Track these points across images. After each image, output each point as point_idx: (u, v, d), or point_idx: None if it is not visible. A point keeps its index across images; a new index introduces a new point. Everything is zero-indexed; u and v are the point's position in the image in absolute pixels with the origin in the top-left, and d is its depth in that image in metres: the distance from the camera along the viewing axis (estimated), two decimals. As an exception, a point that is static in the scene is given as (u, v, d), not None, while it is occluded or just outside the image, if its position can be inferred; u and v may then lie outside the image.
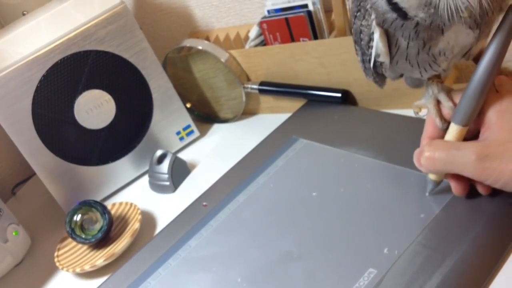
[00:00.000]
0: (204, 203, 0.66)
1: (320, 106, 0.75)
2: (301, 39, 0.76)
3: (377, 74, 0.52)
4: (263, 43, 0.81)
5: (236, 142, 0.81)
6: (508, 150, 0.44)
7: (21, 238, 0.77)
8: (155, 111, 0.81)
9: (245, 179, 0.67)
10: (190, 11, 0.92)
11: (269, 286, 0.52)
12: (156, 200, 0.76)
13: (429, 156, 0.48)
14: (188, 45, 0.82)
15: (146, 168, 0.81)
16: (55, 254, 0.70)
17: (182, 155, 0.81)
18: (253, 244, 0.58)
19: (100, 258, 0.67)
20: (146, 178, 0.81)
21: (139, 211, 0.71)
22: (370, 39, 0.47)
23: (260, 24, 0.79)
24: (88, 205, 0.70)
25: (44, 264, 0.73)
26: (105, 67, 0.76)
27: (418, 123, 0.65)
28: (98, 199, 0.79)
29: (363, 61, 0.51)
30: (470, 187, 0.50)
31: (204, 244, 0.60)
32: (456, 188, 0.50)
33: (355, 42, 0.51)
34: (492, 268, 0.45)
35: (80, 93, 0.76)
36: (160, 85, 0.80)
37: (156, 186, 0.78)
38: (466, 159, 0.45)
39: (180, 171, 0.78)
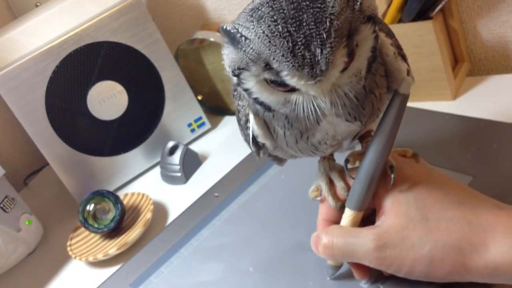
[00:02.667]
0: (216, 194, 0.67)
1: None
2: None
3: (269, 155, 0.48)
4: (275, 36, 0.81)
5: (247, 134, 0.81)
6: (406, 238, 0.41)
7: (34, 227, 0.77)
8: (167, 102, 0.81)
9: (256, 170, 0.67)
10: (202, 3, 0.92)
11: (281, 275, 0.52)
12: (168, 191, 0.77)
13: (327, 245, 0.45)
14: (200, 37, 0.83)
15: (158, 159, 0.81)
16: (68, 243, 0.71)
17: (193, 147, 0.81)
18: (265, 234, 0.58)
19: (113, 247, 0.67)
20: (157, 169, 0.81)
21: (151, 202, 0.71)
22: (247, 120, 0.44)
23: (272, 16, 0.79)
24: (101, 195, 0.70)
25: (57, 253, 0.74)
26: (118, 58, 0.77)
27: (425, 116, 0.65)
28: (110, 189, 0.79)
29: (245, 141, 0.48)
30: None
31: (216, 234, 0.60)
32: (357, 274, 0.47)
33: (237, 121, 0.48)
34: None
35: (93, 84, 0.76)
36: (172, 77, 0.80)
37: (168, 177, 0.78)
38: (364, 248, 0.42)
39: (192, 163, 0.78)
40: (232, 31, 0.38)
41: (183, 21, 0.96)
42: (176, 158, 0.77)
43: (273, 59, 0.36)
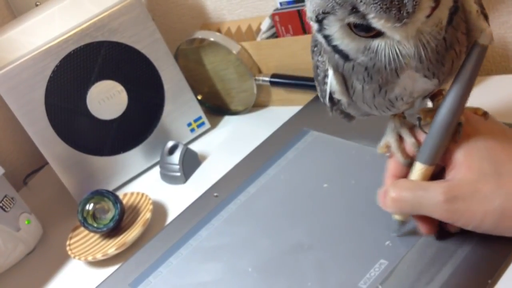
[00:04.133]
0: (215, 194, 0.67)
1: (331, 98, 0.75)
2: (313, 31, 0.76)
3: (341, 112, 0.49)
4: (275, 36, 0.81)
5: (246, 134, 0.82)
6: (478, 191, 0.42)
7: (33, 226, 0.77)
8: (166, 102, 0.81)
9: (256, 170, 0.67)
10: (202, 3, 0.92)
11: (280, 276, 0.52)
12: (167, 191, 0.77)
13: (395, 198, 0.45)
14: (199, 37, 0.83)
15: (157, 159, 0.81)
16: (67, 242, 0.71)
17: (193, 147, 0.81)
18: (264, 235, 0.58)
19: (112, 247, 0.67)
20: (157, 169, 0.81)
21: (150, 201, 0.71)
22: (325, 75, 0.45)
23: (272, 16, 0.79)
24: (100, 195, 0.70)
25: (56, 253, 0.74)
26: (118, 58, 0.77)
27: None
28: (110, 189, 0.79)
29: (321, 97, 0.49)
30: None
31: (215, 234, 0.60)
32: (424, 228, 0.47)
33: (314, 77, 0.49)
34: (504, 258, 0.45)
35: (93, 83, 0.76)
36: (171, 77, 0.80)
37: (167, 176, 0.78)
38: (434, 201, 0.43)
39: (191, 162, 0.78)
40: None
41: (183, 21, 0.96)
42: (176, 157, 0.77)
43: (361, 1, 0.36)
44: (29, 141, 0.77)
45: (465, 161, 0.43)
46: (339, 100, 0.46)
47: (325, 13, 0.39)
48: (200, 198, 0.68)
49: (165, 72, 0.80)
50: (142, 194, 0.74)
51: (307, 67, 0.77)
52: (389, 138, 0.48)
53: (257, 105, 0.84)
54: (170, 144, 0.78)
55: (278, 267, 0.53)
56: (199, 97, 0.88)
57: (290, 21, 0.77)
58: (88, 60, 0.75)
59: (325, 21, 0.39)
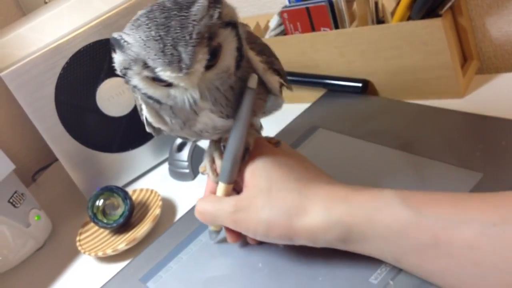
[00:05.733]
0: (225, 190, 0.67)
1: (340, 96, 0.75)
2: (321, 28, 0.76)
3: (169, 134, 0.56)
4: (284, 33, 0.81)
5: (255, 131, 0.82)
6: (253, 205, 0.49)
7: (43, 222, 0.78)
8: (175, 99, 0.81)
9: (265, 167, 0.67)
10: (210, 1, 0.92)
11: (290, 271, 0.53)
12: (176, 187, 0.77)
13: (199, 210, 0.53)
14: (208, 34, 0.83)
15: (166, 155, 0.82)
16: (77, 238, 0.71)
17: (202, 144, 0.82)
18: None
19: (121, 242, 0.68)
20: (165, 165, 0.81)
21: (159, 198, 0.71)
22: (141, 109, 0.53)
23: (281, 13, 0.79)
24: (110, 191, 0.71)
25: (65, 248, 0.75)
26: (127, 55, 0.77)
27: (434, 114, 0.66)
28: (119, 185, 0.79)
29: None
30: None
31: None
32: (228, 237, 0.56)
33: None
34: None
35: (102, 80, 0.76)
36: (180, 74, 0.81)
37: (176, 173, 0.78)
38: (225, 212, 0.51)
39: (200, 159, 0.78)
40: (117, 38, 0.45)
41: (191, 18, 0.96)
42: (185, 154, 0.77)
43: (148, 58, 0.44)
44: (37, 138, 0.78)
45: (249, 179, 0.51)
46: (159, 128, 0.53)
47: (126, 69, 0.46)
48: (210, 195, 0.68)
49: (174, 69, 0.80)
50: (152, 191, 0.74)
51: (315, 64, 0.77)
52: (205, 160, 0.56)
53: (265, 102, 0.84)
54: (178, 141, 0.79)
55: (288, 262, 0.54)
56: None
57: (299, 18, 0.77)
58: (98, 57, 0.76)
59: (128, 75, 0.47)
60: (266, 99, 0.54)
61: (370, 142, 0.64)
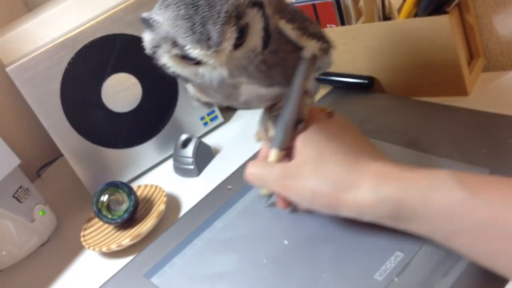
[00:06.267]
0: (229, 186, 0.67)
1: (346, 93, 0.75)
2: (328, 25, 0.76)
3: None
4: (289, 30, 0.81)
5: (260, 128, 0.82)
6: (301, 172, 0.51)
7: (48, 217, 0.78)
8: (180, 95, 0.81)
9: (270, 163, 0.67)
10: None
11: (295, 267, 0.52)
12: (181, 184, 0.77)
13: (248, 172, 0.55)
14: (214, 30, 0.83)
15: (171, 152, 0.82)
16: (82, 233, 0.71)
17: (206, 140, 0.82)
18: (279, 226, 0.58)
19: (126, 238, 0.68)
20: (170, 161, 0.81)
21: (164, 193, 0.71)
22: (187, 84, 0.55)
23: (287, 10, 0.78)
24: (115, 186, 0.71)
25: (70, 243, 0.75)
26: (133, 51, 0.77)
27: (441, 111, 0.65)
28: (124, 181, 0.79)
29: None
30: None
31: (230, 226, 0.61)
32: (278, 203, 0.58)
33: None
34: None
35: (108, 76, 0.76)
36: (186, 70, 0.81)
37: (181, 169, 0.78)
38: (273, 176, 0.52)
39: (204, 156, 0.78)
40: (147, 18, 0.46)
41: (197, 15, 0.96)
42: (189, 151, 0.77)
43: (178, 36, 0.45)
44: (42, 133, 0.78)
45: (299, 148, 0.52)
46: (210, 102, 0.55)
47: (155, 47, 0.48)
48: (214, 191, 0.68)
49: (179, 66, 0.80)
50: (156, 186, 0.74)
51: (321, 61, 0.77)
52: (259, 128, 0.58)
53: (271, 99, 0.84)
54: (183, 137, 0.79)
55: (293, 258, 0.53)
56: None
57: (305, 15, 0.77)
58: (104, 52, 0.76)
59: (157, 53, 0.48)
60: (314, 63, 0.54)
61: (376, 140, 0.64)
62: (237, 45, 0.46)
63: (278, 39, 0.50)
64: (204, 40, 0.44)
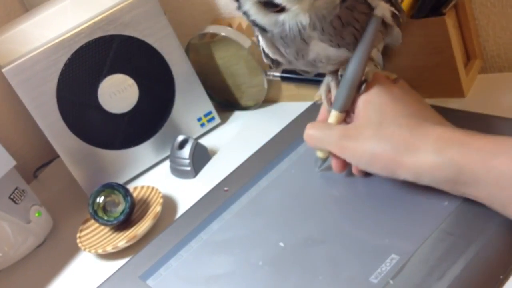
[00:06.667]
0: (226, 188, 0.67)
1: (342, 94, 0.75)
2: (324, 27, 0.76)
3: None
4: (286, 31, 0.81)
5: (256, 129, 0.82)
6: (361, 134, 0.51)
7: (44, 219, 0.78)
8: (177, 97, 0.81)
9: (266, 165, 0.67)
10: (213, -2, 0.92)
11: (290, 269, 0.52)
12: (177, 185, 0.77)
13: (308, 133, 0.56)
14: (211, 31, 0.83)
15: (168, 153, 0.82)
16: (78, 235, 0.71)
17: (203, 141, 0.81)
18: (275, 229, 0.58)
19: (122, 239, 0.67)
20: (167, 163, 0.81)
21: (160, 195, 0.71)
22: (258, 40, 0.55)
23: (284, 11, 0.78)
24: (111, 188, 0.71)
25: (66, 245, 0.74)
26: (129, 51, 0.77)
27: (442, 113, 0.65)
28: (120, 182, 0.79)
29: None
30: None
31: (226, 228, 0.61)
32: (334, 165, 0.57)
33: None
34: (517, 255, 0.45)
35: (104, 77, 0.76)
36: (182, 71, 0.81)
37: (177, 171, 0.78)
38: (333, 138, 0.53)
39: (201, 157, 0.78)
40: None
41: (194, 16, 0.96)
42: (186, 152, 0.77)
43: None
44: (38, 134, 0.78)
45: (361, 110, 0.52)
46: (277, 60, 0.56)
47: None
48: (211, 192, 0.68)
49: (176, 67, 0.80)
50: (152, 188, 0.74)
51: (318, 62, 0.77)
52: (321, 89, 0.58)
53: (268, 100, 0.84)
54: (180, 138, 0.78)
55: (289, 261, 0.53)
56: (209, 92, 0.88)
57: (302, 16, 0.76)
58: (100, 53, 0.75)
59: (240, 0, 0.49)
60: (384, 32, 0.54)
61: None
62: None
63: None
64: None
